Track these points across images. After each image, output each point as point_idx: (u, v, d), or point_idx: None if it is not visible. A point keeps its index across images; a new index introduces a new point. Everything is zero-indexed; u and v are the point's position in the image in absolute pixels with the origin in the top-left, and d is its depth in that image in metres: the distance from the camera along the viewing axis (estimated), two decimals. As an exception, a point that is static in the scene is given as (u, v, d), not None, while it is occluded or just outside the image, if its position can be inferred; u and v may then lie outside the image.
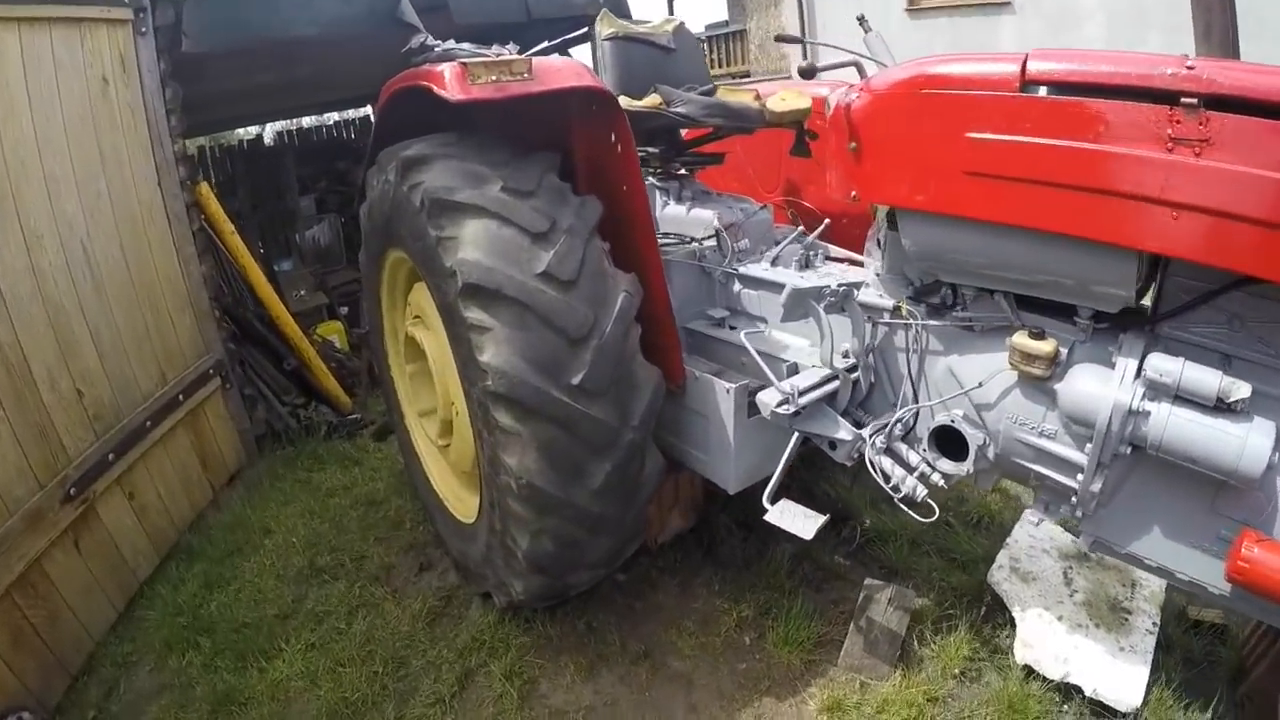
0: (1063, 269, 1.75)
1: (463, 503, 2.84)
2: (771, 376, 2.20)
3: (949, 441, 2.15)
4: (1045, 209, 1.66)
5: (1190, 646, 2.57)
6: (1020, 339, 1.85)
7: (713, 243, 2.74)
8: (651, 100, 2.76)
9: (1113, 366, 1.77)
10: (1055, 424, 1.89)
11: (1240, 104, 1.42)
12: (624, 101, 2.57)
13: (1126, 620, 2.53)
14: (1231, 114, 1.42)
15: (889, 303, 2.18)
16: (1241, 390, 1.55)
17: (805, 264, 2.63)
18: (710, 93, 2.89)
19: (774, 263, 2.67)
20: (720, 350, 2.62)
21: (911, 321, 2.12)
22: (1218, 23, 5.29)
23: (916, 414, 2.17)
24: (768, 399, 2.14)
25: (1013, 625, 2.61)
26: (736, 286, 2.70)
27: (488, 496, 2.35)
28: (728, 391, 2.32)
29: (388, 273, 2.96)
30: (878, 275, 2.30)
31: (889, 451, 2.20)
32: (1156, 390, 1.66)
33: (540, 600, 2.49)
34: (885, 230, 2.22)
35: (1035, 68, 1.66)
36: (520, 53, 2.33)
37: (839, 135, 1.99)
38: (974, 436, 2.06)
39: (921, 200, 1.85)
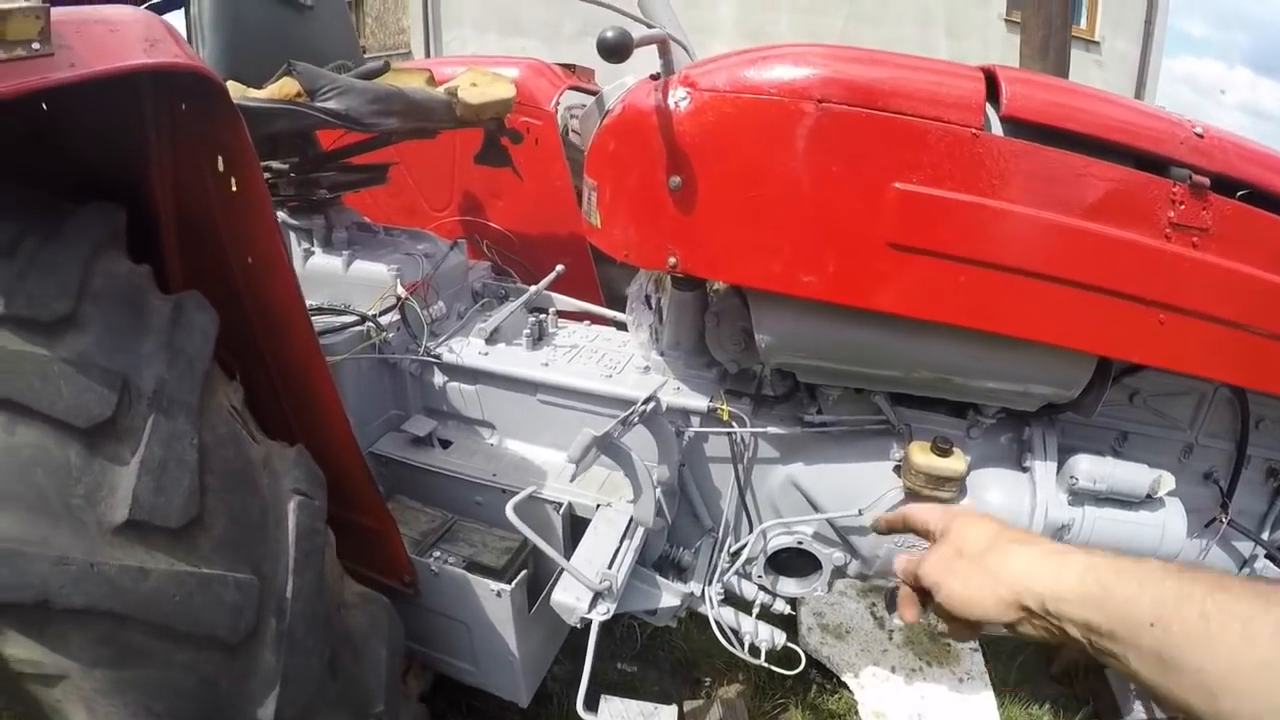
0: (1000, 374, 1.27)
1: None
2: (577, 572, 1.33)
3: (787, 558, 1.63)
4: (1006, 304, 1.13)
5: (998, 643, 2.52)
6: (923, 458, 1.33)
7: (395, 316, 1.77)
8: (283, 88, 1.62)
9: (1020, 468, 1.40)
10: None
11: (1242, 188, 1.14)
12: (236, 91, 1.48)
13: (949, 646, 2.37)
14: (1230, 199, 1.13)
15: (700, 403, 1.53)
16: (1168, 483, 1.31)
17: (538, 336, 1.85)
18: (375, 74, 1.84)
19: (491, 339, 1.83)
20: (435, 486, 1.71)
21: (736, 428, 1.50)
22: (1055, 40, 4.58)
23: (748, 542, 1.60)
24: (573, 602, 1.32)
25: (844, 687, 2.30)
26: (438, 377, 1.82)
27: None
28: (499, 595, 1.49)
29: None
30: (660, 355, 1.63)
31: (726, 598, 1.62)
32: (1080, 496, 1.33)
33: None
34: (672, 291, 1.55)
35: (1013, 95, 1.09)
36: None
37: (642, 160, 1.21)
38: (830, 557, 1.56)
39: (809, 284, 1.14)
